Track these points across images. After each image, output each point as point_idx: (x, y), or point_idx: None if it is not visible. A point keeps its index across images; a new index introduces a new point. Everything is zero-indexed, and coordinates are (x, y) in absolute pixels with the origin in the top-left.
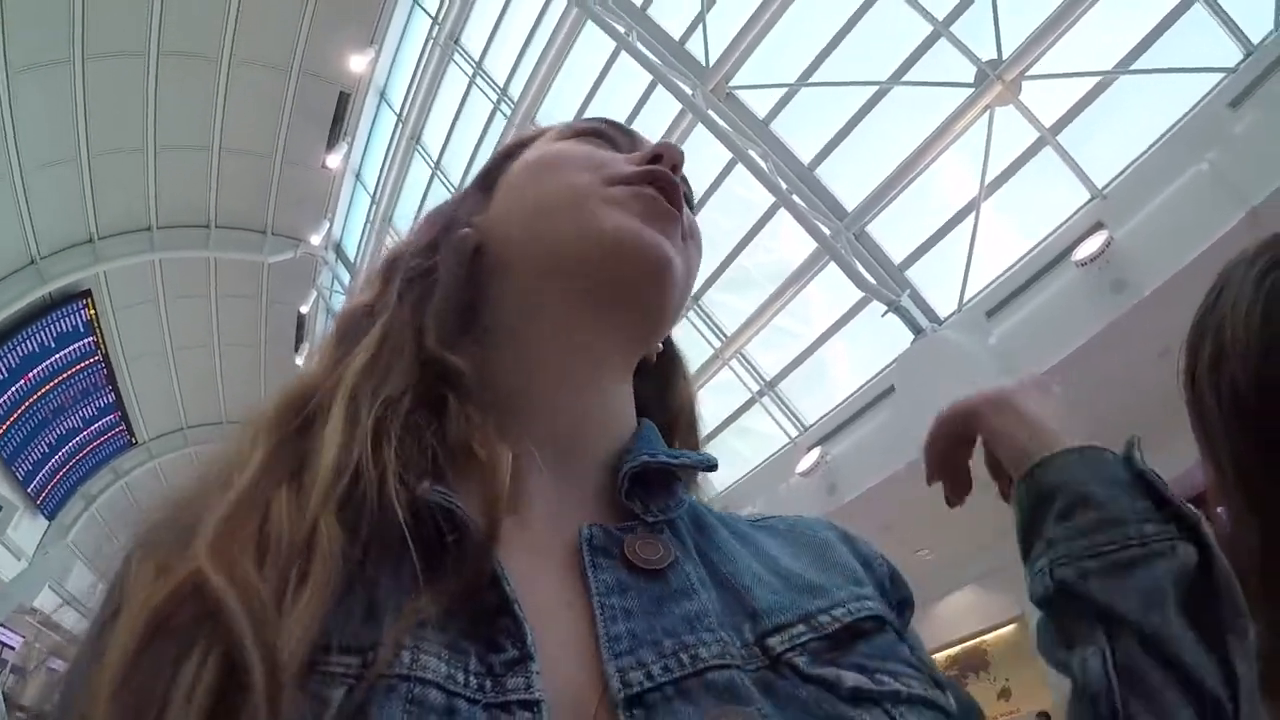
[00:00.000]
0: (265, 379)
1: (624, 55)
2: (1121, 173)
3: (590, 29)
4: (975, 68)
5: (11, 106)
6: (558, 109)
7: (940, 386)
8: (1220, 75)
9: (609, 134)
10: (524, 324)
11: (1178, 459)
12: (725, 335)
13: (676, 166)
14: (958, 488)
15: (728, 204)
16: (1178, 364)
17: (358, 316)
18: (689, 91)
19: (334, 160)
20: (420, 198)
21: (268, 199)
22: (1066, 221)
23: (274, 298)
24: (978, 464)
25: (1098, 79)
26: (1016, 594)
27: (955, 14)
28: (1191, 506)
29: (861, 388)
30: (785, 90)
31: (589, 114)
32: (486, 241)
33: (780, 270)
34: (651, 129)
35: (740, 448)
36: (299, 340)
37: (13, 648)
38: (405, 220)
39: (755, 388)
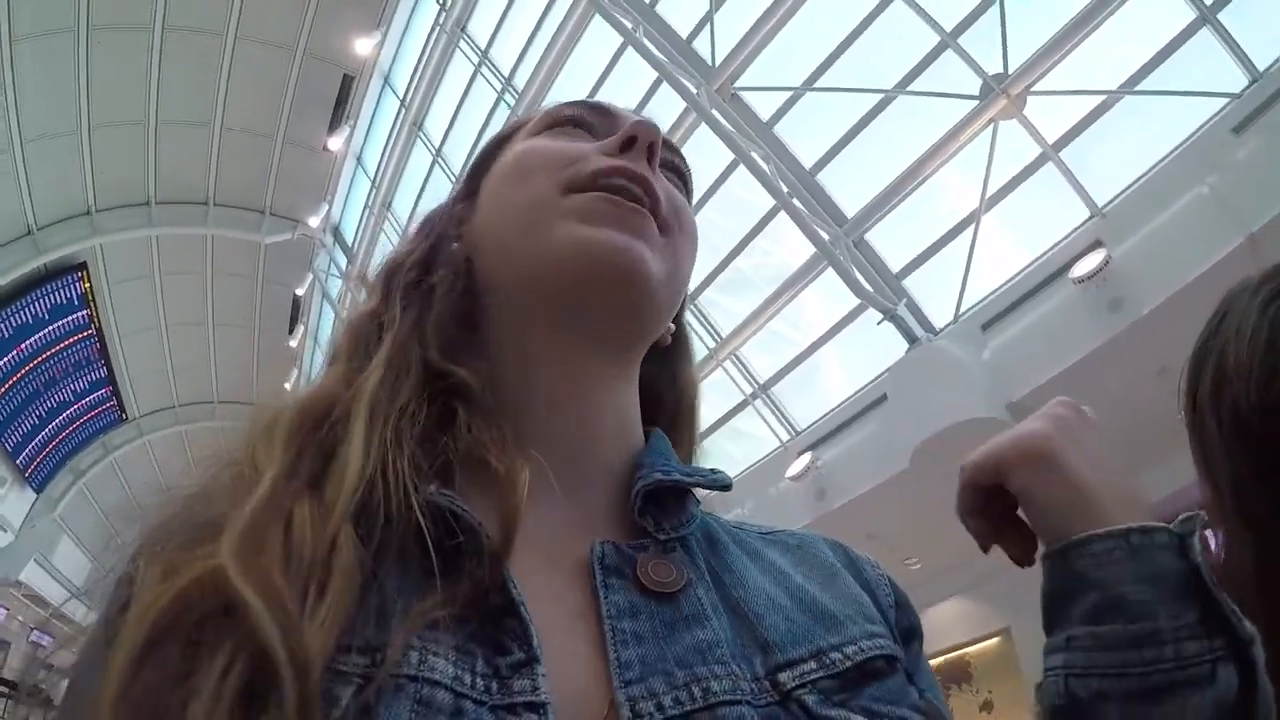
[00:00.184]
0: (259, 360)
1: (630, 51)
2: (1122, 192)
3: (598, 23)
4: (981, 80)
5: (14, 75)
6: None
7: (932, 397)
8: (1225, 100)
9: (586, 120)
10: (519, 337)
11: (1173, 477)
12: (720, 336)
13: (653, 147)
14: (1022, 544)
15: (728, 205)
16: (1179, 386)
17: (366, 327)
18: (694, 90)
19: (335, 143)
20: (420, 184)
21: (267, 179)
22: (1066, 238)
23: (270, 278)
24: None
25: (1102, 97)
26: (1002, 606)
27: (963, 26)
28: (1246, 622)
29: (854, 395)
30: (790, 93)
31: None
32: (474, 254)
33: (778, 274)
34: None
35: (731, 449)
36: (293, 322)
37: None
38: (405, 206)
39: (748, 390)
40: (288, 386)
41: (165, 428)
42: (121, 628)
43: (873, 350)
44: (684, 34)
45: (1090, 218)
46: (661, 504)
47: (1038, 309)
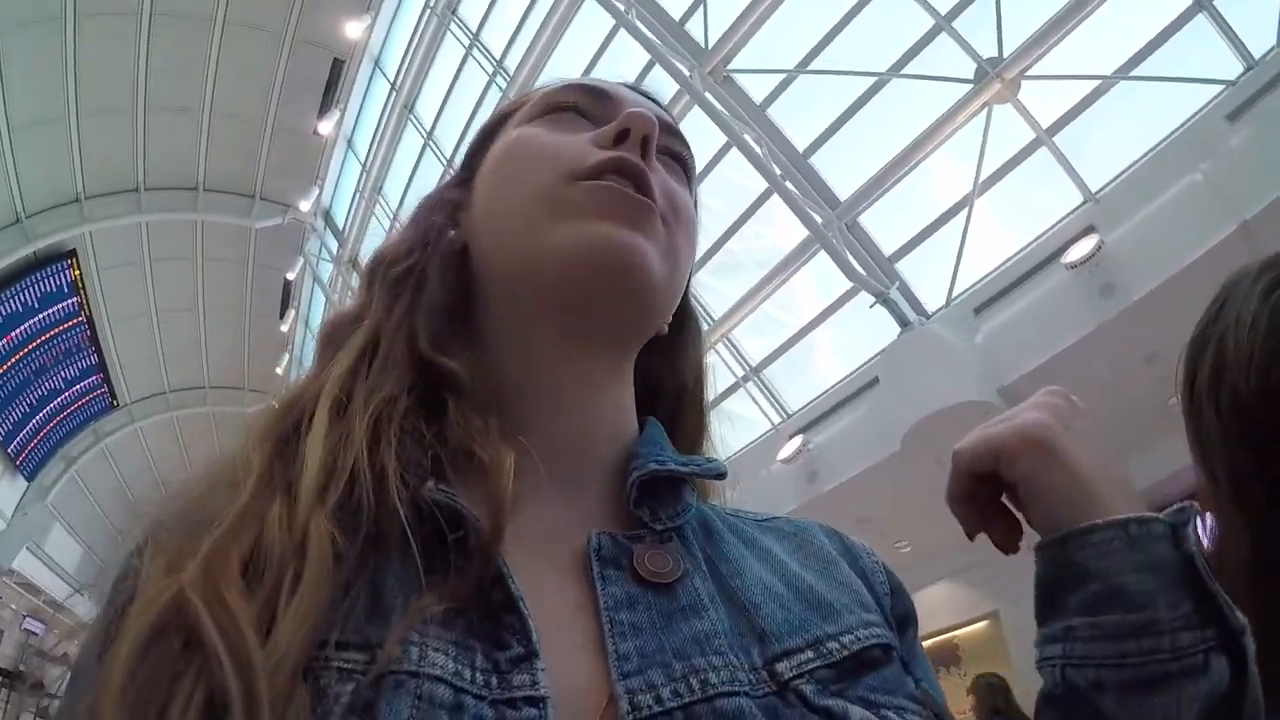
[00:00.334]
0: (250, 345)
1: (622, 33)
2: (1116, 178)
3: (590, 4)
4: (975, 64)
5: (1, 62)
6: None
7: (924, 381)
8: (1220, 87)
9: (582, 105)
10: (515, 327)
11: (1162, 462)
12: (712, 319)
13: (649, 139)
14: (1007, 532)
15: (720, 188)
16: (1176, 374)
17: (344, 323)
18: (686, 72)
19: (326, 127)
20: (411, 167)
21: (257, 163)
22: (1059, 223)
23: (261, 263)
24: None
25: (1097, 83)
26: (991, 590)
27: (957, 10)
28: (1237, 612)
29: (846, 378)
30: (784, 76)
31: None
32: (471, 242)
33: (770, 257)
34: None
35: (723, 432)
36: (284, 307)
37: None
38: (396, 190)
39: (740, 372)
40: (279, 371)
41: (156, 414)
42: (120, 631)
43: (865, 333)
44: (677, 16)
45: (1083, 203)
46: (657, 494)
47: (1030, 294)
